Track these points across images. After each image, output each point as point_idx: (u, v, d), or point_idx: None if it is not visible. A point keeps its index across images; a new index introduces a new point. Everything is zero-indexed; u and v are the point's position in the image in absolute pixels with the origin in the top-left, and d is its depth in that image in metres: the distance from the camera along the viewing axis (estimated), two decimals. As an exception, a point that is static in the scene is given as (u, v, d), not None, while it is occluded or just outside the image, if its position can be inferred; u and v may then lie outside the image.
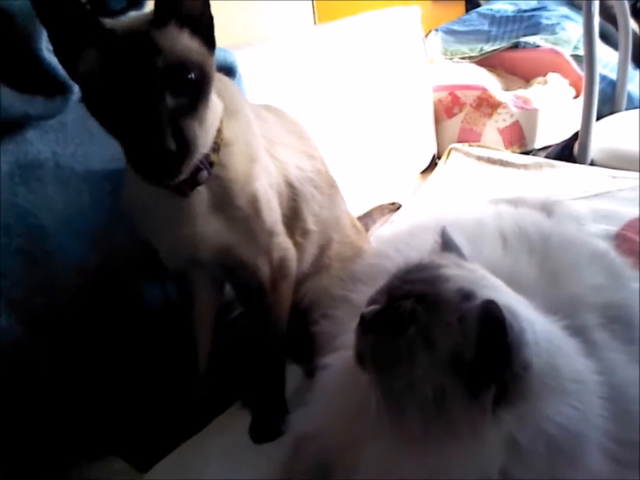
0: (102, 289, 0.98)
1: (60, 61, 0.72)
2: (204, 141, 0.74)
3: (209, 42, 0.73)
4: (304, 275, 1.02)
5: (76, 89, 0.89)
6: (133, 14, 0.73)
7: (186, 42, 0.70)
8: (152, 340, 1.02)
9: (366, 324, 0.66)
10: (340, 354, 0.78)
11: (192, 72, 0.69)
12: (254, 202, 0.85)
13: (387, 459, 0.64)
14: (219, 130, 0.80)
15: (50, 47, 0.85)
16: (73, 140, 0.96)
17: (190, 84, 0.69)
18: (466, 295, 0.61)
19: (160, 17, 0.69)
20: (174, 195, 0.79)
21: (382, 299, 0.67)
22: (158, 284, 1.07)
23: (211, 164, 0.79)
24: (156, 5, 0.69)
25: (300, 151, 0.99)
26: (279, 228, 0.91)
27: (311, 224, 0.99)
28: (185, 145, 0.68)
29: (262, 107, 0.98)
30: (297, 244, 0.96)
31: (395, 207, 1.60)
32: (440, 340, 0.60)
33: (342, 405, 0.73)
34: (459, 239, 0.76)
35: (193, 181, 0.78)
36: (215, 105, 0.78)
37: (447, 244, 0.75)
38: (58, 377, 0.92)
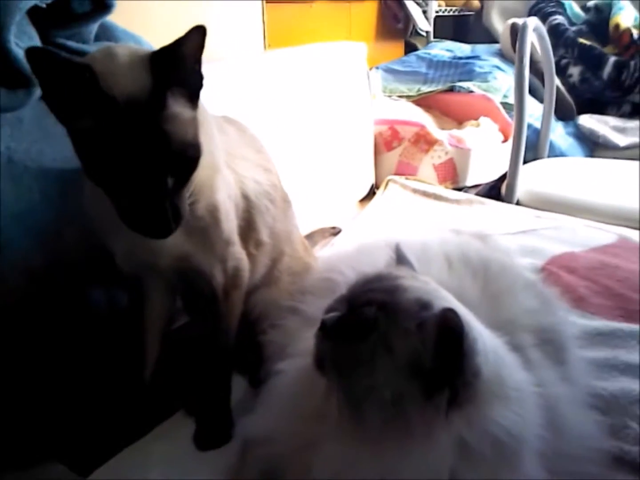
0: (47, 290, 0.96)
1: (51, 108, 0.71)
2: None
3: (196, 99, 0.75)
4: (255, 286, 1.03)
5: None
6: (120, 51, 0.73)
7: (185, 117, 0.71)
8: (96, 345, 1.00)
9: (327, 330, 0.68)
10: (294, 360, 0.80)
11: (191, 152, 0.71)
12: (214, 212, 0.86)
13: (342, 460, 0.67)
14: None
15: (18, 40, 0.86)
16: (28, 137, 0.95)
17: (189, 163, 0.72)
18: (424, 305, 0.65)
19: (159, 84, 0.69)
20: None
21: (341, 307, 0.70)
22: (103, 290, 1.05)
23: None
24: (154, 72, 0.69)
25: (258, 165, 1.02)
26: (235, 238, 0.93)
27: (265, 236, 1.01)
28: (180, 216, 0.72)
29: (222, 119, 1.00)
30: (250, 255, 0.98)
31: (335, 232, 1.65)
32: (399, 347, 0.64)
33: (295, 410, 0.74)
34: (409, 256, 0.81)
35: None
36: None
37: (400, 259, 0.79)
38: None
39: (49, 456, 0.91)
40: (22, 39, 0.87)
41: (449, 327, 0.62)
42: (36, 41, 0.90)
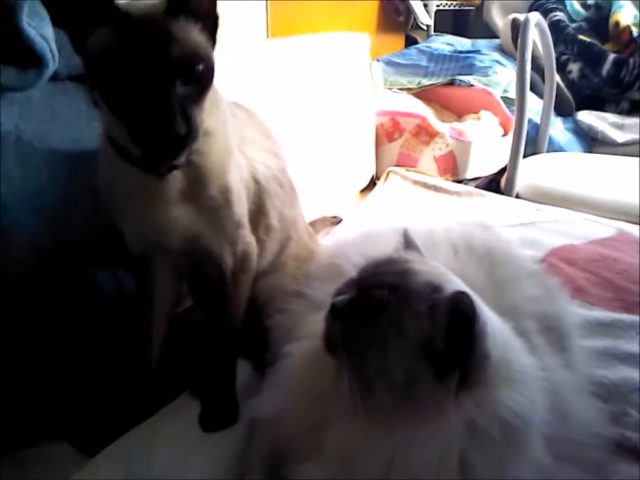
0: (54, 271, 0.96)
1: (69, 35, 0.72)
2: None
3: (213, 40, 0.76)
4: (262, 271, 1.04)
5: (51, 64, 0.88)
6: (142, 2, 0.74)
7: (196, 35, 0.72)
8: (103, 326, 1.01)
9: (337, 312, 0.69)
10: (302, 342, 0.81)
11: (201, 64, 0.71)
12: (226, 193, 0.86)
13: (352, 439, 0.68)
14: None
15: (30, 20, 0.86)
16: (36, 117, 0.95)
17: (198, 75, 0.72)
18: (435, 288, 0.67)
19: (173, 8, 0.71)
20: (149, 176, 0.80)
21: (351, 290, 0.71)
22: (110, 272, 1.06)
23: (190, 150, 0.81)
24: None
25: (267, 149, 1.02)
26: (245, 221, 0.93)
27: (275, 220, 1.01)
28: (191, 130, 0.71)
29: (233, 104, 1.01)
30: (260, 240, 0.99)
31: (337, 221, 1.65)
32: (411, 328, 0.65)
33: (304, 391, 0.75)
34: (417, 242, 0.81)
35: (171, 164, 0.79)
36: None
37: (408, 244, 0.80)
38: (3, 356, 0.89)
39: (56, 435, 0.92)
40: (34, 19, 0.86)
41: (461, 310, 0.63)
42: (47, 21, 0.89)
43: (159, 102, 0.68)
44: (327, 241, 1.44)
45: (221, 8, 1.48)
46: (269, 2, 1.91)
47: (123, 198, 0.84)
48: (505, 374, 0.68)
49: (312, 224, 1.56)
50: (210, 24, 0.75)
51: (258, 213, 0.97)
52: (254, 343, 1.01)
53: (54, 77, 0.93)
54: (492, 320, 0.69)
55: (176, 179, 0.81)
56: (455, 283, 0.70)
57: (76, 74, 0.98)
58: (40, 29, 0.86)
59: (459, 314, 0.63)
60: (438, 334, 0.64)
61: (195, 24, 0.72)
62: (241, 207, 0.91)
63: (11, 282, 0.91)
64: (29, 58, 0.86)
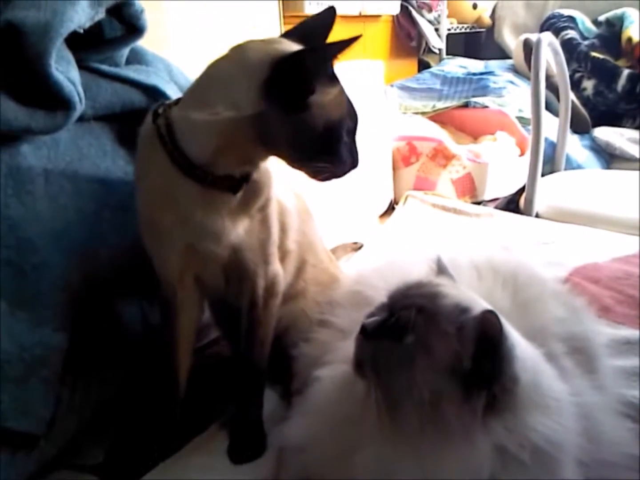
0: (83, 307, 0.98)
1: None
2: None
3: None
4: (282, 296, 1.04)
5: (78, 107, 0.91)
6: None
7: None
8: (131, 360, 1.02)
9: (367, 332, 0.70)
10: (331, 367, 0.81)
11: None
12: (267, 207, 0.90)
13: (382, 462, 0.68)
14: None
15: (58, 65, 0.89)
16: (64, 158, 0.97)
17: None
18: (464, 309, 0.67)
19: None
20: (200, 188, 0.83)
21: (382, 313, 0.72)
22: (135, 303, 1.08)
23: None
24: None
25: (282, 173, 1.04)
26: (277, 240, 0.95)
27: (292, 242, 1.02)
28: None
29: None
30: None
31: (357, 247, 1.66)
32: (438, 348, 0.65)
33: (333, 416, 0.76)
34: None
35: (242, 181, 0.84)
36: None
37: (441, 270, 0.80)
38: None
39: (86, 471, 0.93)
40: (61, 63, 0.90)
41: (488, 329, 0.63)
42: (73, 65, 0.93)
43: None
44: (348, 267, 1.45)
45: (236, 35, 1.52)
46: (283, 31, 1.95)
47: (177, 212, 0.85)
48: (537, 399, 0.68)
49: (333, 250, 1.57)
50: None
51: (281, 232, 0.98)
52: (279, 371, 1.01)
53: (80, 118, 0.96)
54: (521, 344, 0.69)
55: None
56: (484, 305, 0.71)
57: (101, 114, 1.01)
58: (67, 73, 0.90)
59: (486, 333, 0.64)
60: (465, 353, 0.65)
61: None
62: (277, 224, 0.94)
63: (42, 320, 0.93)
64: (57, 101, 0.88)
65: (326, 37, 0.84)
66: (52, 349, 0.92)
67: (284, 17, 1.87)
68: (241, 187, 0.84)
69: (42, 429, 0.88)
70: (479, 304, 0.70)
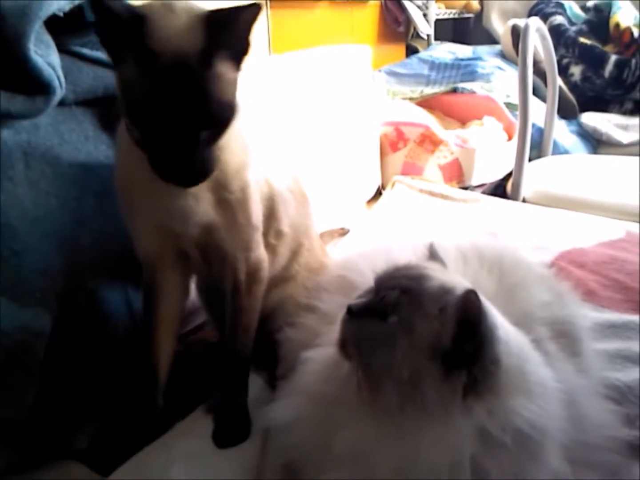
0: (65, 293, 0.97)
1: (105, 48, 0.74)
2: None
3: (241, 62, 0.76)
4: (274, 280, 1.04)
5: (58, 91, 0.90)
6: (179, 7, 0.72)
7: (228, 77, 0.73)
8: (114, 346, 1.01)
9: (352, 313, 0.71)
10: (318, 350, 0.81)
11: (228, 111, 0.74)
12: (245, 190, 0.88)
13: (362, 441, 0.68)
14: None
15: (37, 49, 0.87)
16: (45, 143, 0.96)
17: (224, 120, 0.74)
18: (447, 291, 0.68)
19: (210, 45, 0.70)
20: None
21: (369, 295, 0.72)
22: (119, 289, 1.07)
23: None
24: (208, 33, 0.71)
25: (279, 156, 1.04)
26: (260, 225, 0.94)
27: (285, 226, 1.02)
28: (208, 169, 0.75)
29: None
30: (270, 246, 0.99)
31: (344, 232, 1.66)
32: (420, 328, 0.66)
33: (318, 397, 0.76)
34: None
35: None
36: None
37: (433, 256, 0.80)
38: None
39: (70, 456, 0.92)
40: (40, 46, 0.88)
41: (469, 308, 0.64)
42: (53, 48, 0.91)
43: (182, 146, 0.72)
44: (334, 252, 1.45)
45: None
46: (269, 19, 1.94)
47: (142, 192, 0.85)
48: (520, 384, 0.68)
49: (320, 236, 1.56)
50: (241, 52, 0.75)
51: (269, 217, 0.98)
52: (264, 356, 1.01)
53: (61, 103, 0.95)
54: (505, 327, 0.69)
55: None
56: (468, 286, 0.71)
57: (83, 99, 1.00)
58: (46, 57, 0.88)
59: (467, 313, 0.64)
60: (446, 333, 0.65)
61: (231, 61, 0.73)
62: (258, 209, 0.92)
63: (25, 305, 0.92)
64: (36, 85, 0.87)
65: None
66: (34, 335, 0.91)
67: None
68: None
69: (23, 415, 0.88)
70: (464, 285, 0.70)
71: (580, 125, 2.62)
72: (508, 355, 0.67)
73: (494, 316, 0.67)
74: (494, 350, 0.65)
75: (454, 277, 0.73)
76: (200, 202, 0.85)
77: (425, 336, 0.65)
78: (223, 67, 0.72)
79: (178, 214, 0.85)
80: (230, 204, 0.87)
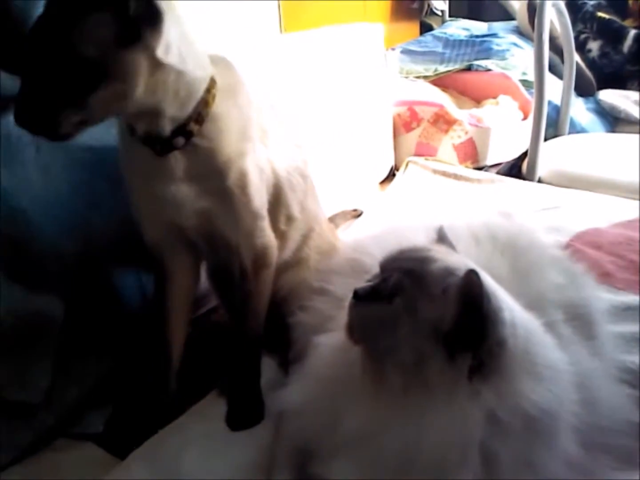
0: (79, 277, 0.98)
1: None
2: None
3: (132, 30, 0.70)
4: (285, 264, 1.05)
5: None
6: None
7: (102, 36, 0.68)
8: (128, 329, 1.02)
9: (358, 298, 0.70)
10: (329, 335, 0.81)
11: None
12: (242, 178, 0.88)
13: (368, 425, 0.69)
14: (205, 104, 0.82)
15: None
16: (55, 127, 0.96)
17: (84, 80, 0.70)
18: (451, 272, 0.67)
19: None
20: (154, 155, 0.83)
21: (375, 279, 0.72)
22: (132, 274, 1.07)
23: (190, 133, 0.82)
24: None
25: (290, 141, 1.03)
26: (264, 213, 0.94)
27: (296, 211, 1.02)
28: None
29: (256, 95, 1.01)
30: (280, 232, 0.99)
31: (357, 214, 1.65)
32: (423, 310, 0.66)
33: (329, 381, 0.76)
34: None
35: (168, 144, 0.82)
36: (193, 81, 0.80)
37: (441, 239, 0.80)
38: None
39: (86, 439, 0.93)
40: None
41: (470, 289, 0.63)
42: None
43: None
44: (347, 235, 1.44)
45: (233, 6, 1.49)
46: (280, -1, 1.91)
47: (138, 179, 0.87)
48: (529, 366, 0.67)
49: (333, 218, 1.56)
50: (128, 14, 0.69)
51: (276, 204, 0.98)
52: (277, 340, 1.01)
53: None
54: (512, 309, 0.69)
55: (177, 158, 0.83)
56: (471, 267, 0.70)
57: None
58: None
59: (469, 293, 0.63)
60: (448, 314, 0.65)
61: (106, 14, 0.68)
62: (259, 197, 0.91)
63: (37, 291, 0.92)
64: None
65: None
66: (48, 319, 0.92)
67: None
68: (169, 148, 0.82)
69: (39, 398, 0.89)
70: (468, 267, 0.69)
71: (597, 103, 2.56)
72: (515, 337, 0.66)
73: (499, 297, 0.66)
74: (499, 331, 0.64)
75: (460, 259, 0.72)
76: (184, 190, 0.85)
77: (428, 318, 0.65)
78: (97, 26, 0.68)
79: (170, 202, 0.86)
80: (227, 192, 0.87)
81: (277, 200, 0.98)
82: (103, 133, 1.01)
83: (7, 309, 0.88)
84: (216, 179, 0.86)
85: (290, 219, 1.01)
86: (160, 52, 0.73)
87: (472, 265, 0.70)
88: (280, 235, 0.99)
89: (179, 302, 0.98)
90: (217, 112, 0.84)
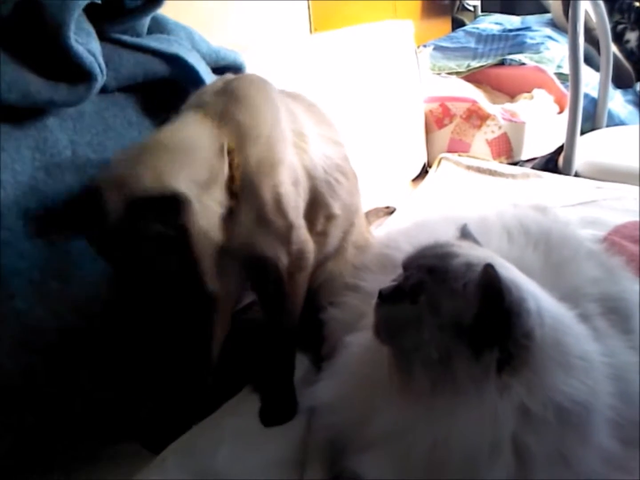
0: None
1: None
2: None
3: None
4: (324, 257, 1.05)
5: (99, 78, 0.91)
6: None
7: None
8: (168, 324, 1.04)
9: (383, 298, 0.70)
10: (360, 333, 0.81)
11: None
12: (278, 203, 0.88)
13: (397, 424, 0.68)
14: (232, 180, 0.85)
15: (77, 37, 0.89)
16: (90, 130, 0.98)
17: None
18: (472, 267, 0.66)
19: None
20: None
21: (399, 278, 0.72)
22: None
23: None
24: None
25: (328, 139, 1.03)
26: (300, 222, 0.94)
27: (336, 209, 1.02)
28: None
29: (290, 97, 1.02)
30: (319, 232, 1.00)
31: (389, 211, 1.65)
32: (446, 307, 0.65)
33: (360, 379, 0.77)
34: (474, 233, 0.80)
35: None
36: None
37: (464, 236, 0.79)
38: (73, 358, 0.93)
39: (124, 435, 0.95)
40: (81, 35, 0.90)
41: (489, 282, 0.62)
42: (94, 37, 0.93)
43: None
44: (379, 232, 1.44)
45: (263, 6, 1.50)
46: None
47: None
48: (560, 358, 0.66)
49: (365, 215, 1.55)
50: None
51: (314, 206, 0.98)
52: (310, 336, 1.02)
53: (104, 90, 0.97)
54: (538, 298, 0.67)
55: None
56: (497, 263, 0.69)
57: (124, 85, 1.01)
58: (87, 45, 0.90)
59: (487, 287, 0.63)
60: (469, 311, 0.64)
61: None
62: (293, 208, 0.91)
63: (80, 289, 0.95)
64: (78, 73, 0.89)
65: None
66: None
67: None
68: None
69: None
70: (487, 260, 0.68)
71: (636, 95, 2.51)
72: (542, 327, 0.64)
73: (521, 288, 0.65)
74: (524, 322, 0.63)
75: (483, 252, 0.72)
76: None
77: (452, 315, 0.64)
78: None
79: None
80: (264, 215, 0.88)
81: (314, 203, 0.98)
82: (135, 134, 1.04)
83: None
84: (258, 202, 0.87)
85: (330, 217, 1.02)
86: None
87: (493, 258, 0.70)
88: (320, 234, 1.00)
89: (226, 299, 1.00)
90: (245, 163, 0.86)
